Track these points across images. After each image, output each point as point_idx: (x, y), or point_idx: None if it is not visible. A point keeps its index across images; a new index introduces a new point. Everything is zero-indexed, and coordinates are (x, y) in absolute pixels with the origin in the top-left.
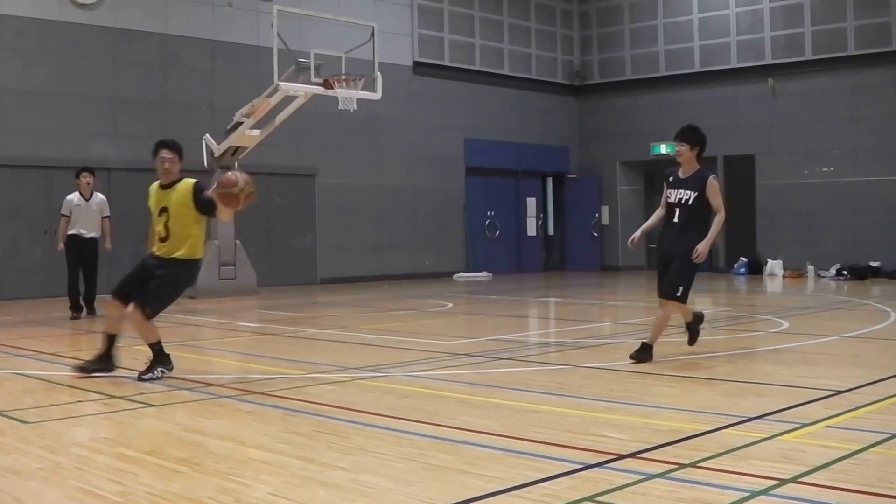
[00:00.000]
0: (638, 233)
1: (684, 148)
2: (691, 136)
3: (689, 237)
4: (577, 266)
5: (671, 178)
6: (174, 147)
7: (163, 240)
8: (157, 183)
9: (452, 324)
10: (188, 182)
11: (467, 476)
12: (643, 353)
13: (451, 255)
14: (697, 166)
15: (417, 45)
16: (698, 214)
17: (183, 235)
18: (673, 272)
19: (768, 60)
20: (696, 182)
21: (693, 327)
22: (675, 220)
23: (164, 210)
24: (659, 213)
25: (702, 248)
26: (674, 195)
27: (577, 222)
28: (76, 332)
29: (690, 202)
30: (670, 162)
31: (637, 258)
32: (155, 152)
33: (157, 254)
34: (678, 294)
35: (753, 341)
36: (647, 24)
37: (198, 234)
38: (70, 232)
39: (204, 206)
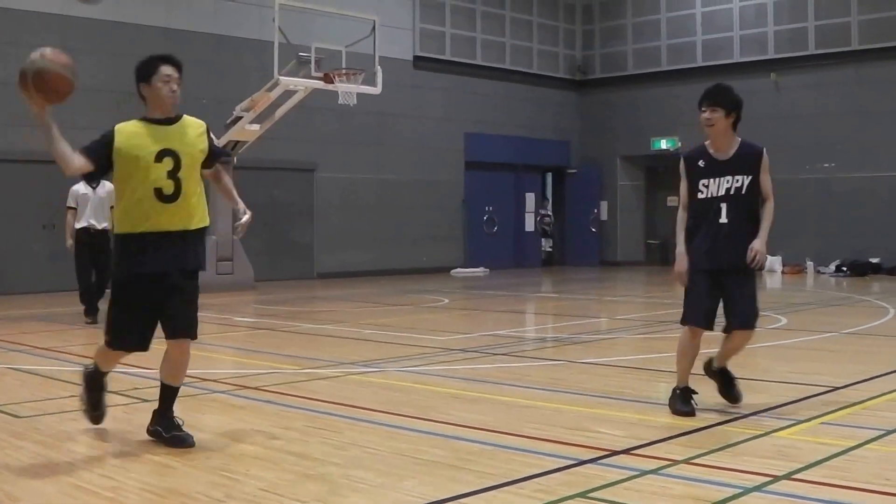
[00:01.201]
0: (685, 262)
1: (717, 115)
2: (725, 98)
3: (750, 242)
4: (575, 261)
5: (702, 164)
6: (179, 64)
7: (168, 199)
8: (138, 121)
9: (448, 319)
10: (196, 121)
11: (460, 471)
12: (733, 387)
13: (448, 250)
14: (738, 140)
15: (418, 39)
16: (756, 206)
17: (197, 193)
18: (748, 295)
19: (771, 55)
20: (749, 161)
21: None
22: (723, 219)
23: (167, 153)
24: (684, 216)
25: (759, 246)
26: (715, 186)
27: (576, 217)
28: (74, 327)
29: (744, 191)
30: (672, 157)
31: (635, 253)
32: (149, 71)
33: (168, 228)
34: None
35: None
36: (649, 18)
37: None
38: (79, 225)
39: (216, 157)
